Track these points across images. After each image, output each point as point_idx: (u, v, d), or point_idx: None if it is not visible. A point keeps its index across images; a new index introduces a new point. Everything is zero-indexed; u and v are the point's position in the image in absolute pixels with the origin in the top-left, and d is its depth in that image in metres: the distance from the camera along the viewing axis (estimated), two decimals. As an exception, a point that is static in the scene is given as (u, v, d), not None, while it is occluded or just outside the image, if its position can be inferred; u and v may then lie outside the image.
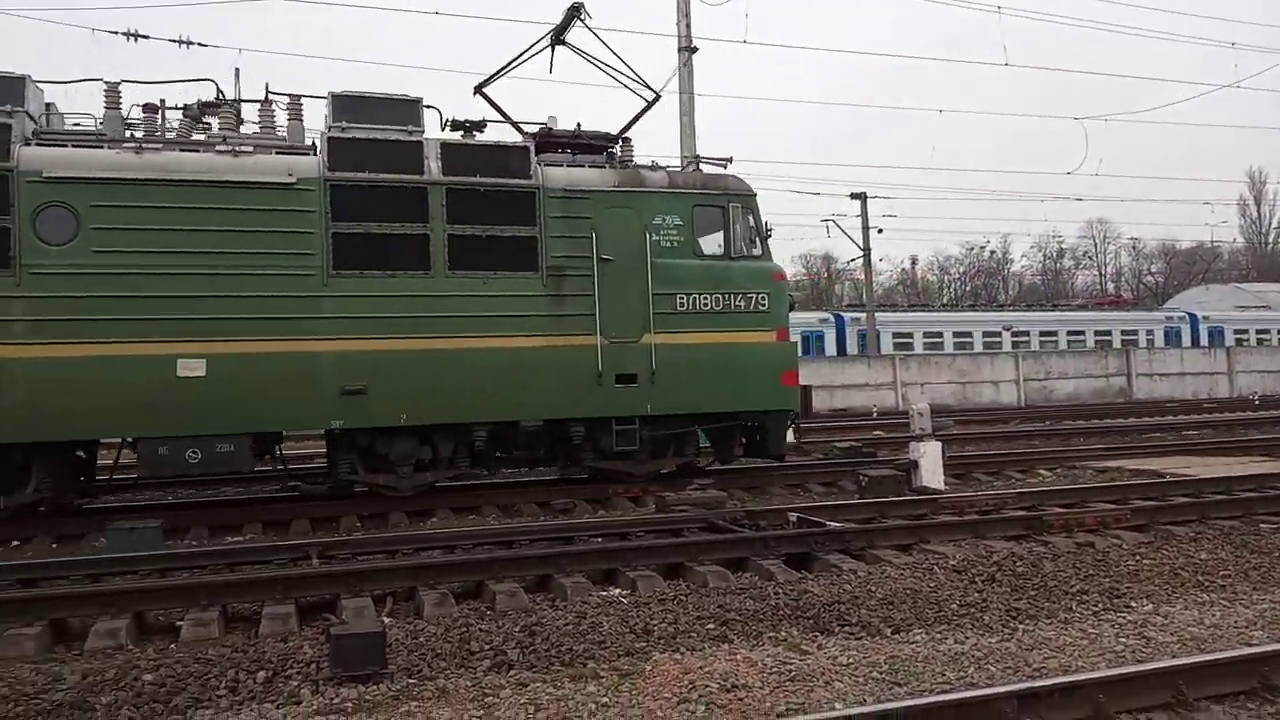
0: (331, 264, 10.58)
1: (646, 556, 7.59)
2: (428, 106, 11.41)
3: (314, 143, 11.03)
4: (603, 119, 12.67)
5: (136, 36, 16.86)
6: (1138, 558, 7.52)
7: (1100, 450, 15.67)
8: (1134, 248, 76.82)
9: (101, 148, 10.22)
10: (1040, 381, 33.80)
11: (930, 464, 11.87)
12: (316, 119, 11.29)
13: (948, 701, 4.27)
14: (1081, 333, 41.96)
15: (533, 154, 11.54)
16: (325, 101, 11.11)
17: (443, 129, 11.86)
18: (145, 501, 12.25)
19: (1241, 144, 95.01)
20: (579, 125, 12.38)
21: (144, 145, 10.33)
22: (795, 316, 44.08)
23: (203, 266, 10.16)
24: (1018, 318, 42.61)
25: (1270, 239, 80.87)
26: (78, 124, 10.65)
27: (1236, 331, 44.89)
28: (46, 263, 9.75)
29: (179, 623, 6.26)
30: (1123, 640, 5.53)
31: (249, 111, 11.24)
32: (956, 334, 39.64)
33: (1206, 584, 6.79)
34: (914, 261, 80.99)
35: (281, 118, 11.15)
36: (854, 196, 37.32)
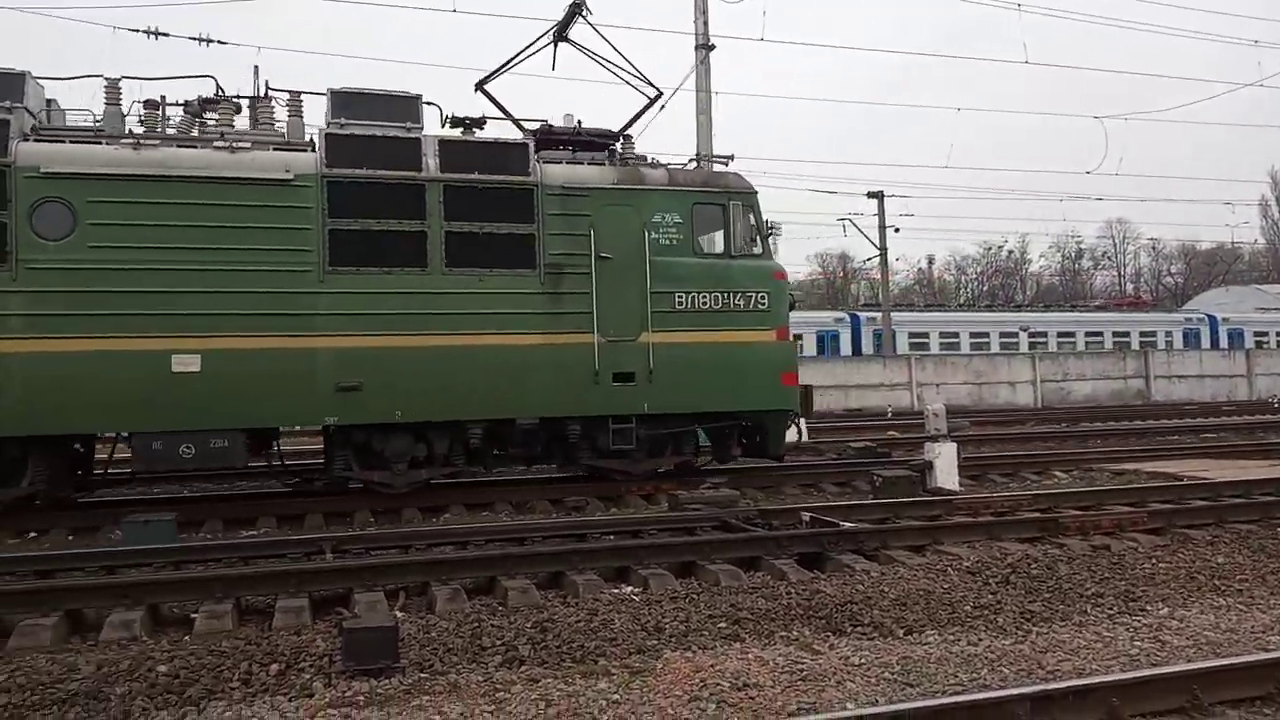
0: (328, 260, 10.58)
1: (659, 554, 7.59)
2: (428, 103, 11.41)
3: (312, 139, 11.03)
4: (608, 117, 12.64)
5: (157, 34, 16.95)
6: (1154, 561, 7.45)
7: (1117, 453, 15.56)
8: (1153, 248, 76.26)
9: (99, 143, 10.25)
10: (1057, 383, 33.61)
11: (945, 465, 11.81)
12: (320, 116, 11.32)
13: (960, 703, 4.25)
14: (1100, 334, 41.69)
15: (531, 151, 11.51)
16: (324, 98, 11.10)
17: (443, 126, 11.84)
18: (160, 495, 12.33)
19: (1264, 144, 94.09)
20: (579, 122, 12.34)
21: (141, 141, 10.35)
22: (810, 315, 44.30)
23: (199, 262, 10.17)
24: (1035, 318, 42.39)
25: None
26: (90, 120, 10.68)
27: (1256, 334, 44.51)
28: (43, 258, 9.78)
29: (193, 615, 6.30)
30: (1138, 643, 5.49)
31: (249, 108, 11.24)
32: (973, 334, 39.47)
33: (1223, 588, 6.73)
34: (931, 261, 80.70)
35: (282, 114, 11.15)
36: (871, 195, 37.20)
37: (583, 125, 12.33)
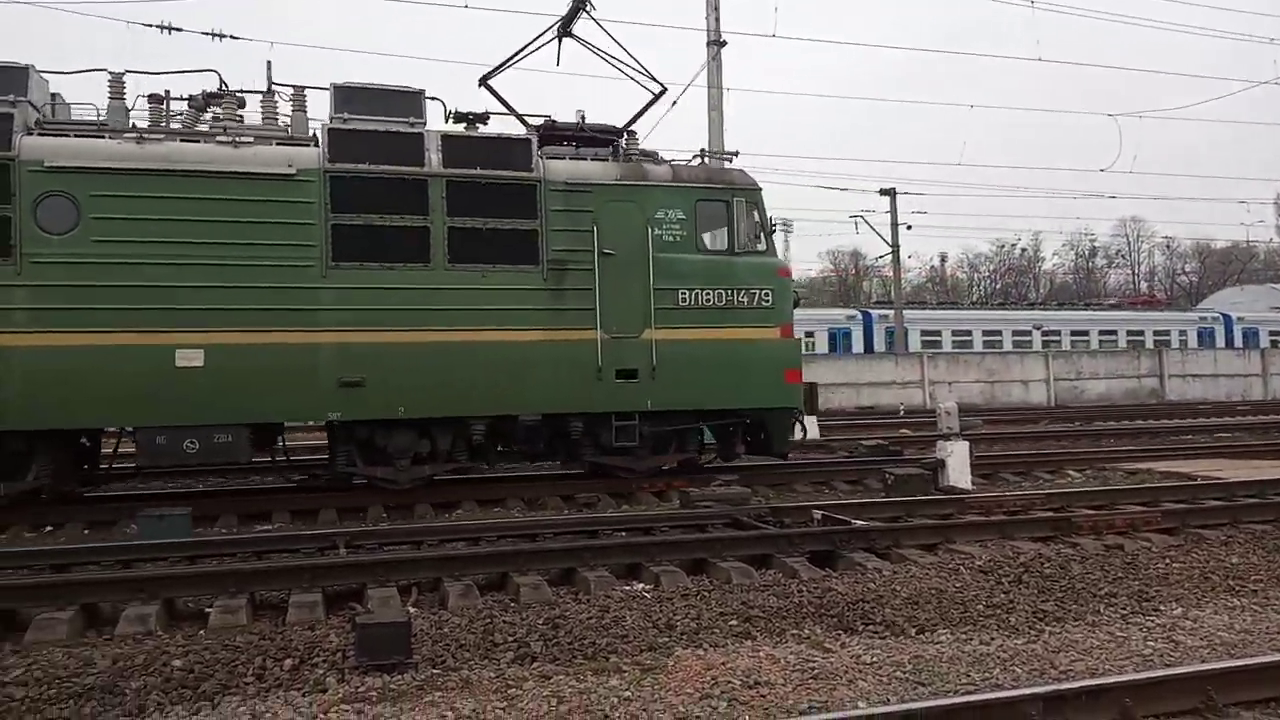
0: (331, 255, 10.58)
1: (670, 552, 7.60)
2: (431, 98, 11.41)
3: (315, 134, 11.04)
4: (615, 112, 12.65)
5: (170, 29, 17.05)
6: (1167, 561, 7.42)
7: (1131, 452, 15.49)
8: (1168, 247, 75.89)
9: (103, 138, 10.28)
10: (1071, 381, 33.47)
11: (957, 463, 11.79)
12: (325, 111, 11.31)
13: (972, 703, 4.24)
14: (1114, 333, 41.51)
15: (534, 146, 11.50)
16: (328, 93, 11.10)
17: (447, 121, 11.82)
18: (175, 489, 12.41)
19: (1279, 141, 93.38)
20: (583, 117, 12.31)
21: (145, 136, 10.37)
22: (822, 313, 44.20)
23: (202, 257, 10.20)
24: (1048, 316, 42.23)
25: (1308, 239, 79.51)
26: (94, 114, 10.70)
27: (1272, 333, 44.24)
28: (47, 252, 9.82)
29: (208, 609, 6.34)
30: (1151, 644, 5.47)
31: (254, 102, 11.28)
32: (986, 333, 39.34)
33: (1237, 588, 6.70)
34: (943, 259, 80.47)
35: (286, 109, 11.18)
36: (883, 193, 37.10)
37: (586, 120, 12.30)
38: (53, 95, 10.82)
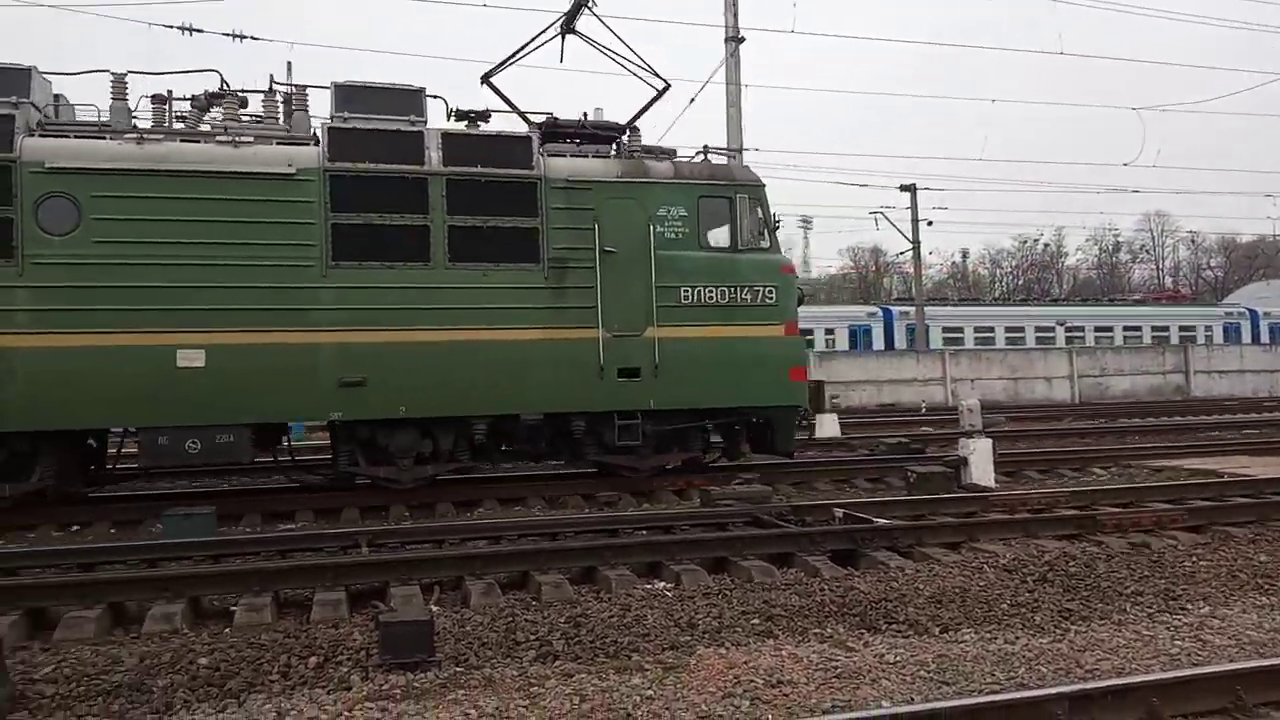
0: (331, 255, 10.59)
1: (691, 550, 7.59)
2: (433, 96, 11.41)
3: (316, 133, 11.05)
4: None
5: (191, 31, 17.20)
6: (1194, 559, 7.35)
7: (1156, 449, 15.35)
8: (1192, 241, 75.08)
9: (104, 138, 10.32)
10: (1095, 378, 33.18)
11: (980, 461, 11.71)
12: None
13: (997, 702, 4.21)
14: (1138, 328, 41.13)
15: (535, 144, 11.47)
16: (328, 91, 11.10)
17: (449, 119, 11.79)
18: (200, 488, 12.52)
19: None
20: (585, 115, 12.28)
21: (145, 136, 10.41)
22: (842, 310, 43.98)
23: (203, 257, 10.23)
24: (1072, 312, 41.91)
25: (1336, 233, 78.48)
26: (95, 115, 10.74)
27: (1299, 328, 43.69)
28: (48, 253, 9.87)
29: (233, 608, 6.39)
30: (1178, 643, 5.41)
31: (256, 102, 11.27)
32: (1008, 329, 39.07)
33: (1266, 587, 6.62)
34: (965, 255, 79.99)
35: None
36: (903, 188, 36.94)
37: (589, 117, 12.26)
38: (56, 96, 10.87)
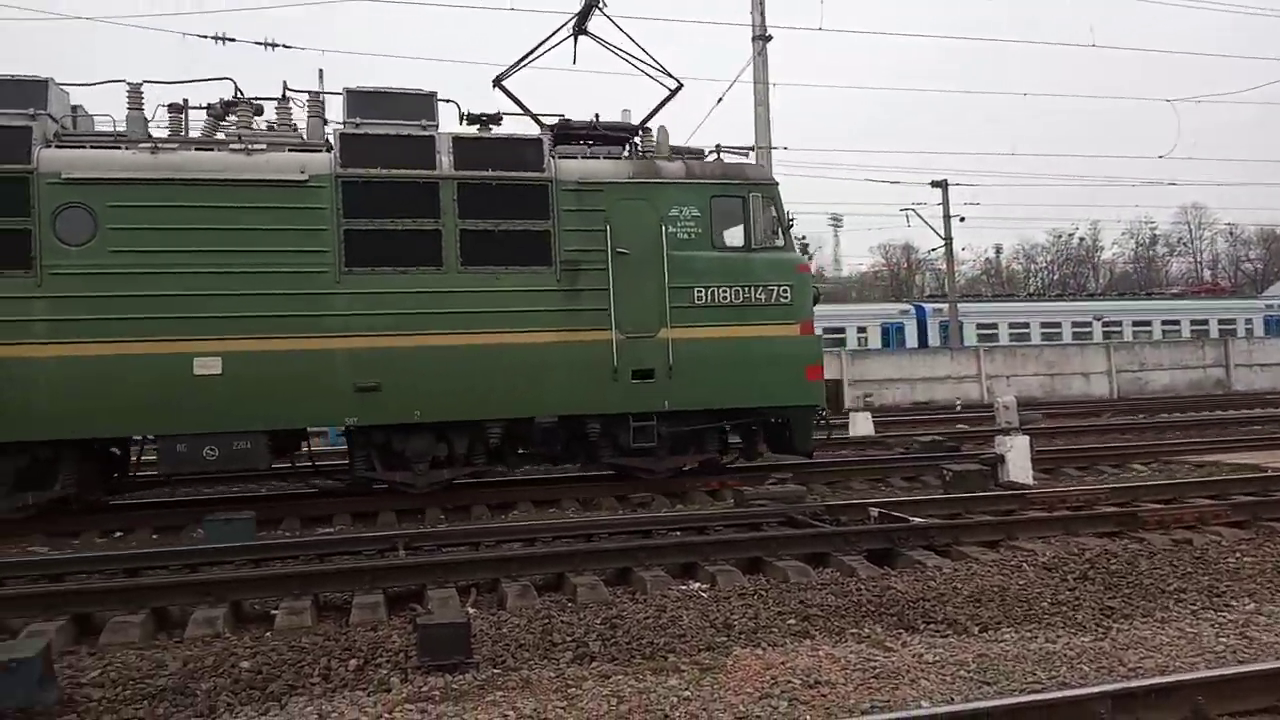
0: (344, 261, 10.65)
1: (726, 551, 7.58)
2: (446, 100, 11.43)
3: (329, 140, 11.11)
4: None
5: (224, 40, 17.43)
6: (1238, 555, 7.23)
7: (1197, 444, 15.12)
8: (1231, 233, 73.84)
9: (119, 148, 10.42)
10: (1133, 373, 32.71)
11: (1018, 458, 11.59)
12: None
13: (1038, 701, 4.17)
14: (1176, 322, 40.51)
15: (546, 147, 11.46)
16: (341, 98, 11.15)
17: (461, 123, 11.80)
18: (239, 493, 12.67)
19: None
20: (597, 116, 12.25)
21: (160, 145, 10.50)
22: (874, 308, 43.69)
23: (218, 265, 10.31)
24: (1109, 307, 41.32)
25: (1380, 221, 76.84)
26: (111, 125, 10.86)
27: (1343, 320, 42.81)
28: (66, 263, 9.99)
29: (274, 611, 6.47)
30: (1223, 640, 5.32)
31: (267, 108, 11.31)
32: (1044, 324, 38.62)
33: (1314, 583, 6.49)
34: (998, 250, 79.20)
35: (301, 115, 11.26)
36: (935, 184, 36.63)
37: (604, 119, 12.24)
38: (74, 107, 11.01)
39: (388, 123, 11.01)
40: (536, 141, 11.51)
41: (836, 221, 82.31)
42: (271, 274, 10.45)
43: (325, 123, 11.33)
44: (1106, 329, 38.86)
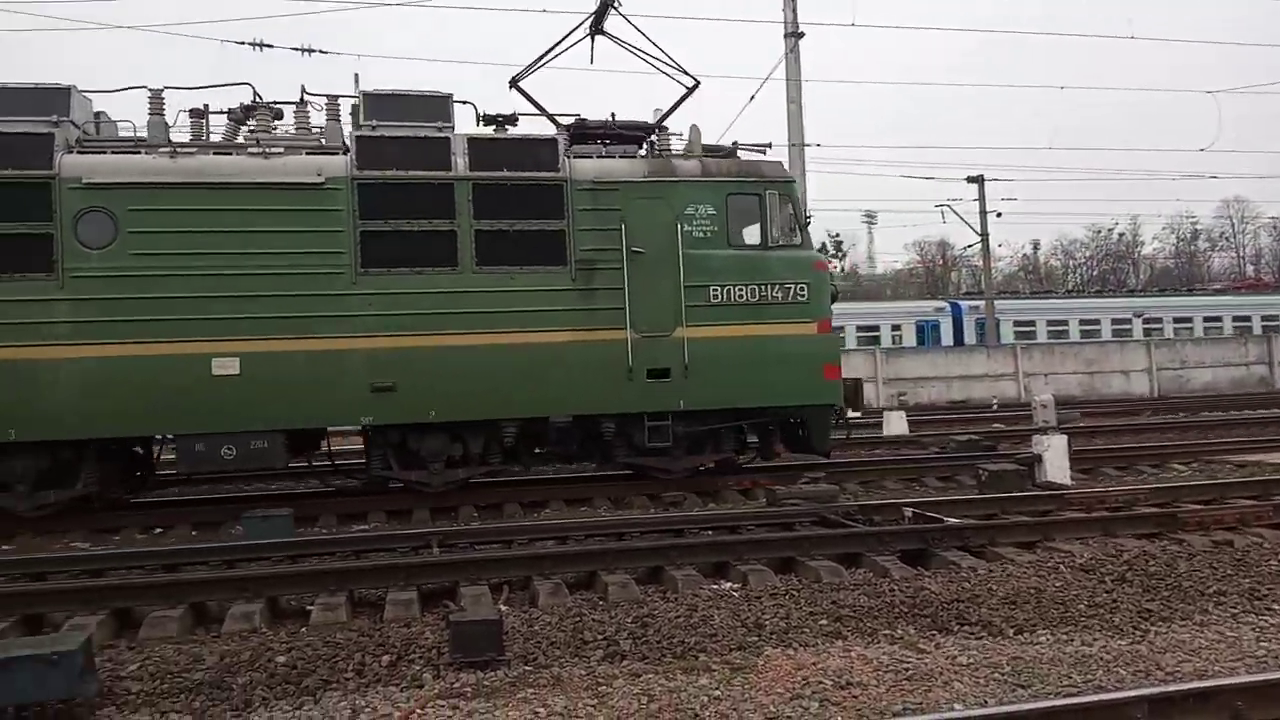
0: (360, 262, 10.72)
1: (757, 550, 7.56)
2: (462, 102, 11.48)
3: (346, 142, 11.18)
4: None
5: (261, 46, 17.65)
6: (1282, 558, 7.09)
7: (1240, 443, 14.85)
8: (1275, 227, 72.38)
9: (139, 153, 10.57)
10: (1174, 371, 32.19)
11: (1055, 458, 11.44)
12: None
13: (1074, 705, 4.12)
14: (1218, 318, 39.80)
15: (560, 146, 11.46)
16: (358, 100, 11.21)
17: (478, 124, 11.83)
18: (277, 491, 12.84)
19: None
20: (613, 115, 12.22)
21: (179, 150, 10.64)
22: (909, 305, 43.31)
23: (236, 267, 10.43)
24: (1149, 303, 40.65)
25: None
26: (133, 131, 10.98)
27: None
28: (87, 266, 10.14)
29: (309, 607, 6.53)
30: (1264, 644, 5.23)
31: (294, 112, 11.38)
32: (1083, 321, 38.10)
33: (1360, 587, 6.35)
34: (1036, 246, 78.27)
35: (319, 118, 11.36)
36: (971, 180, 36.26)
37: (616, 118, 12.21)
38: (97, 114, 11.16)
39: (403, 125, 11.09)
40: (551, 141, 11.53)
41: (870, 218, 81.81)
42: (288, 275, 10.57)
43: (340, 125, 11.39)
44: (1147, 326, 38.26)
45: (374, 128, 11.04)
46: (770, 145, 12.69)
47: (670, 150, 12.18)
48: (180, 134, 11.00)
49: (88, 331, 10.12)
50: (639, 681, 4.83)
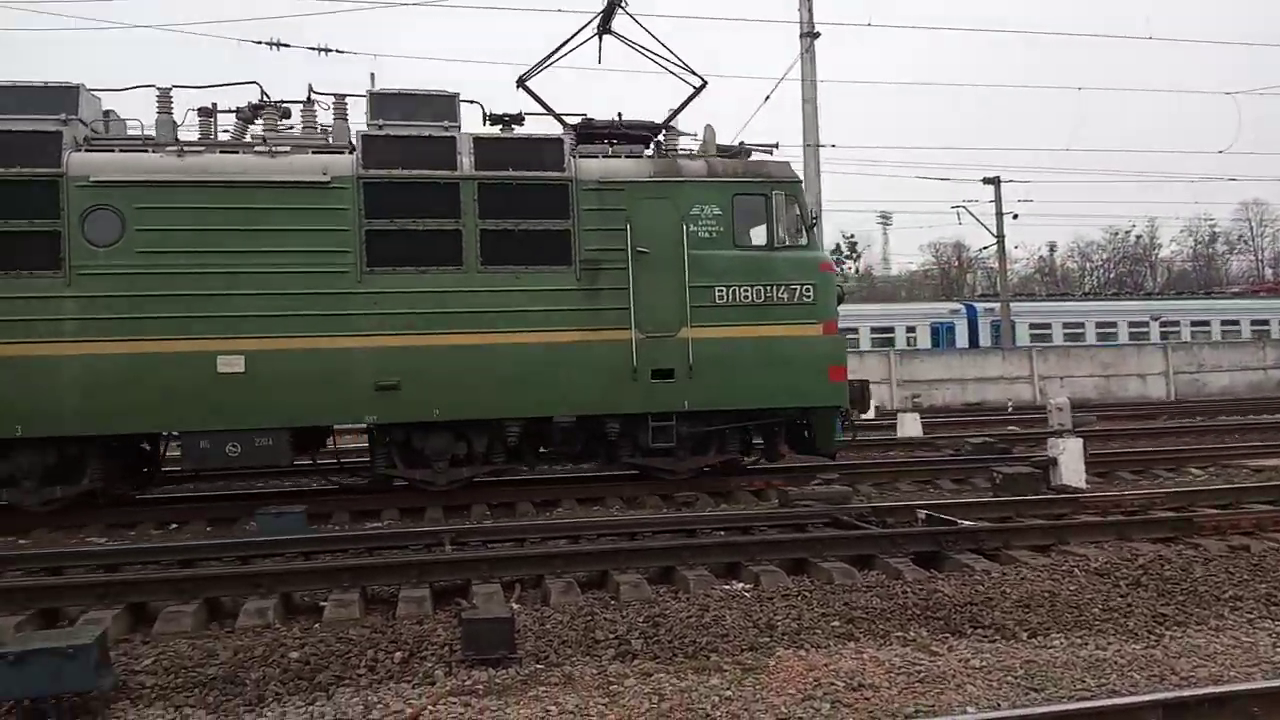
0: (365, 261, 10.72)
1: (770, 551, 7.55)
2: (469, 101, 11.47)
3: (352, 141, 11.19)
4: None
5: (279, 45, 17.72)
6: (1299, 563, 7.03)
7: (1257, 448, 14.74)
8: (1294, 230, 71.76)
9: (146, 151, 10.61)
10: (1191, 374, 31.98)
11: (1071, 461, 11.39)
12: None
13: (1088, 709, 4.11)
14: (1236, 322, 39.51)
15: (566, 146, 11.44)
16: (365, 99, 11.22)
17: (484, 123, 11.82)
18: (292, 488, 12.90)
19: None
20: (619, 115, 12.20)
21: (185, 148, 10.67)
22: (924, 307, 43.14)
23: (241, 265, 10.46)
24: (1167, 306, 40.39)
25: None
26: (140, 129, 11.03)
27: None
28: (94, 263, 10.19)
29: (322, 603, 6.56)
30: (1281, 651, 5.19)
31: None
32: (1099, 324, 37.89)
33: (1378, 593, 6.29)
34: (1052, 248, 77.88)
35: (327, 117, 11.38)
36: (987, 181, 36.11)
37: (623, 117, 12.20)
38: (106, 112, 11.21)
39: (409, 124, 11.10)
40: (556, 141, 11.52)
41: (886, 219, 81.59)
42: (294, 274, 10.59)
43: (347, 124, 11.41)
44: (1164, 329, 38.02)
45: (380, 127, 11.06)
46: (778, 145, 12.65)
47: (678, 150, 12.17)
48: (188, 133, 11.06)
49: (94, 329, 10.18)
50: (650, 681, 4.83)
